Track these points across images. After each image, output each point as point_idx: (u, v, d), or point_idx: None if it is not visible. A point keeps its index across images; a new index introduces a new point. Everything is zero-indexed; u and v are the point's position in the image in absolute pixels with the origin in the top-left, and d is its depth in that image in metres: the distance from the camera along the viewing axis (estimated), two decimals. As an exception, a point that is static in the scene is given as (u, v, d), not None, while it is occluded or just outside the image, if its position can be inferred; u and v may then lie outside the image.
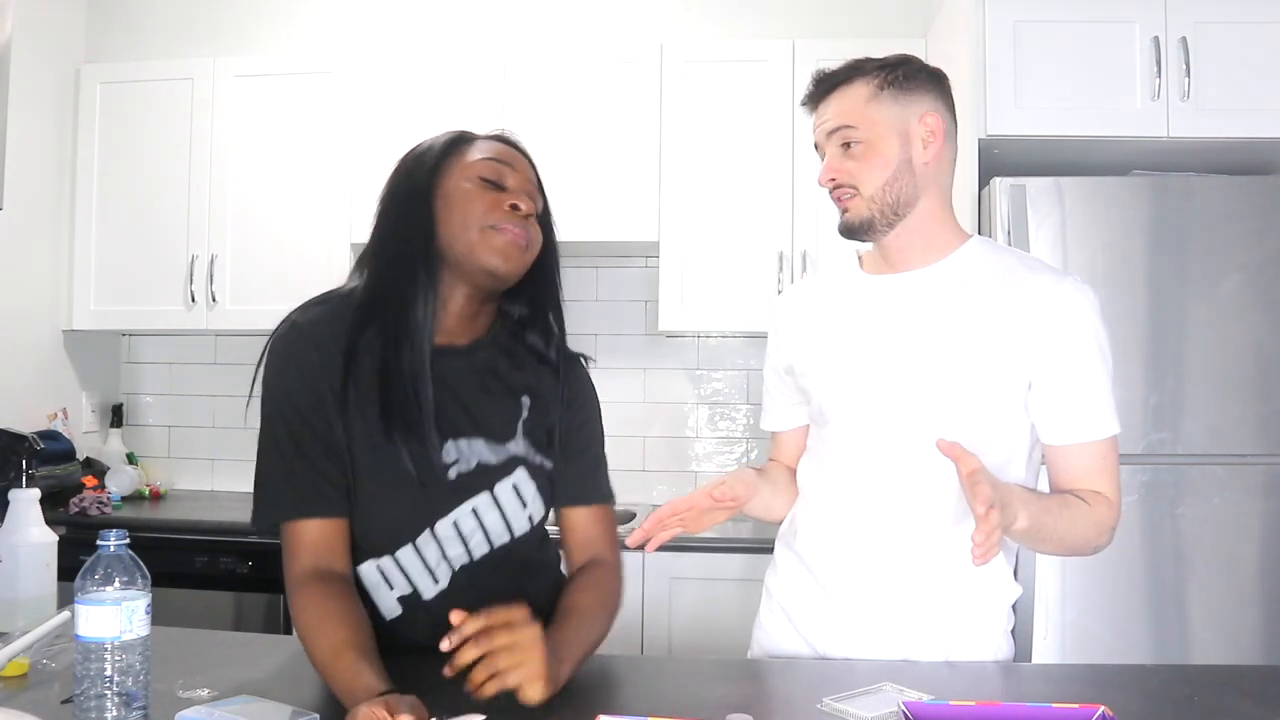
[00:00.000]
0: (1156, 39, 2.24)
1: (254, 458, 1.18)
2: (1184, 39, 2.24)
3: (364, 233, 1.27)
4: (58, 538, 1.46)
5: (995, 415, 1.30)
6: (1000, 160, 2.36)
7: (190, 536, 2.61)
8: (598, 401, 1.35)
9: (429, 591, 1.22)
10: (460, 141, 1.26)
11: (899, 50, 1.35)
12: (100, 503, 2.72)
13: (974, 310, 1.30)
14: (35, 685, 1.12)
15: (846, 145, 1.31)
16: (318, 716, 0.99)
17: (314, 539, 1.16)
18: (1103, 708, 0.95)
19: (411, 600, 1.22)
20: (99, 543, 0.96)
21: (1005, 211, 2.16)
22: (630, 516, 2.75)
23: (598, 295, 3.12)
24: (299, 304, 1.24)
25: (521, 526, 1.26)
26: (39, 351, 2.97)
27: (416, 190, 1.22)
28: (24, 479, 1.87)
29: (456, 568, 1.22)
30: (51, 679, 1.14)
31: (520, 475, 1.25)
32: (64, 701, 1.06)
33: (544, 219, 1.28)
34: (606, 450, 1.36)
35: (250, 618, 2.50)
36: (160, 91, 2.98)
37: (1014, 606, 1.39)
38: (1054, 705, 0.97)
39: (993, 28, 2.28)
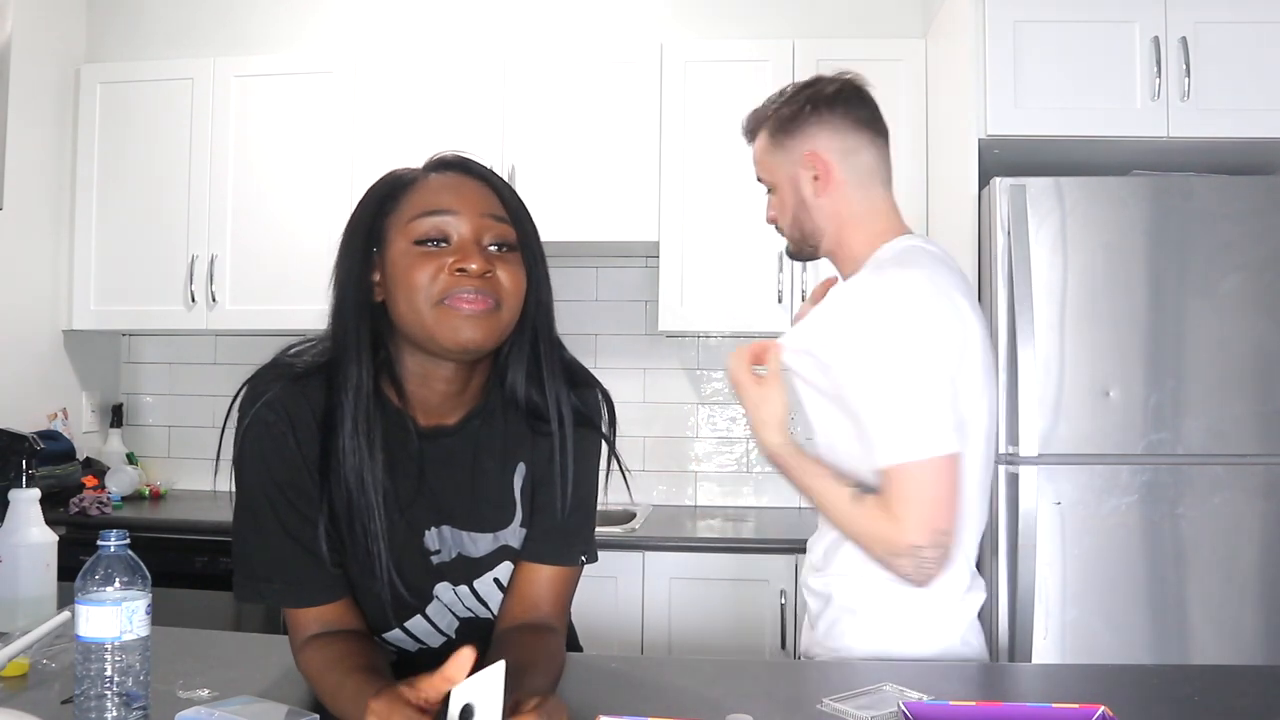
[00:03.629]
0: (1156, 39, 2.24)
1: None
2: (1184, 39, 2.23)
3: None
4: (58, 538, 1.46)
5: None
6: (1000, 160, 2.36)
7: (190, 536, 2.61)
8: (599, 457, 1.18)
9: (435, 642, 1.19)
10: (395, 191, 1.06)
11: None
12: (100, 503, 2.72)
13: None
14: (35, 685, 1.12)
15: (768, 189, 1.47)
16: (317, 717, 0.99)
17: (317, 615, 1.08)
18: (1103, 708, 0.95)
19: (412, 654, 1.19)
20: (99, 543, 0.95)
21: (1005, 212, 2.16)
22: (630, 516, 2.75)
23: (598, 295, 3.12)
24: (262, 368, 1.11)
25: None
26: (39, 351, 2.97)
27: (355, 263, 1.05)
28: (24, 479, 1.86)
29: (452, 634, 1.18)
30: (51, 679, 1.14)
31: (504, 569, 1.15)
32: (64, 701, 1.06)
33: (526, 244, 1.06)
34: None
35: (250, 618, 2.50)
36: (160, 91, 2.98)
37: (980, 615, 1.37)
38: (1054, 705, 0.97)
39: (992, 28, 2.28)
